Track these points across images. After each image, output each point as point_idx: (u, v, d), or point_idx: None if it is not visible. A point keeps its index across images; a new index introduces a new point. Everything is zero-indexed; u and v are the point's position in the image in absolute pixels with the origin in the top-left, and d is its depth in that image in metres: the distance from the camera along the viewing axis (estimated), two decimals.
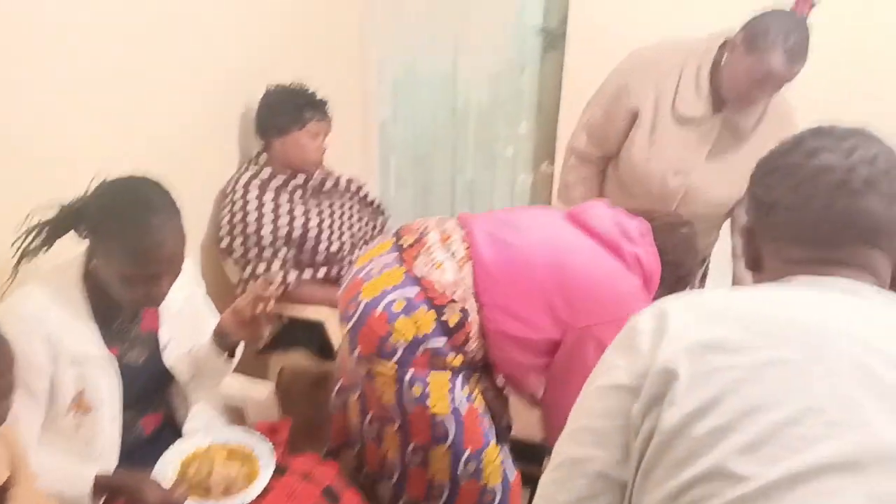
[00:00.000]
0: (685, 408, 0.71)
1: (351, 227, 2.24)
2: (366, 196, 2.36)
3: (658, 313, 0.79)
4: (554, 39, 2.83)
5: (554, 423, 1.50)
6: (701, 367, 0.72)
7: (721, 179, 1.89)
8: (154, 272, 1.28)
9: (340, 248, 2.17)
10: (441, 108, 3.11)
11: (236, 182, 2.06)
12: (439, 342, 1.42)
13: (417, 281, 1.43)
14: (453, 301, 1.42)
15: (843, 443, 0.65)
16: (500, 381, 1.61)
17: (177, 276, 1.33)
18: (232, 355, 1.53)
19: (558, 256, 1.42)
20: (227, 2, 2.08)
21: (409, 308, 1.41)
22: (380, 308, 1.42)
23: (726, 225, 2.08)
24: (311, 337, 2.12)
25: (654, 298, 1.43)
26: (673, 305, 0.79)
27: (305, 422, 2.26)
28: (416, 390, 1.43)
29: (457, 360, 1.44)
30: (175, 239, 1.29)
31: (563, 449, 0.83)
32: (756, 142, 1.87)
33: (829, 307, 0.75)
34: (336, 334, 2.03)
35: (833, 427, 0.66)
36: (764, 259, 0.85)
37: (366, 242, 2.32)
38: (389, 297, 1.42)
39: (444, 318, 1.41)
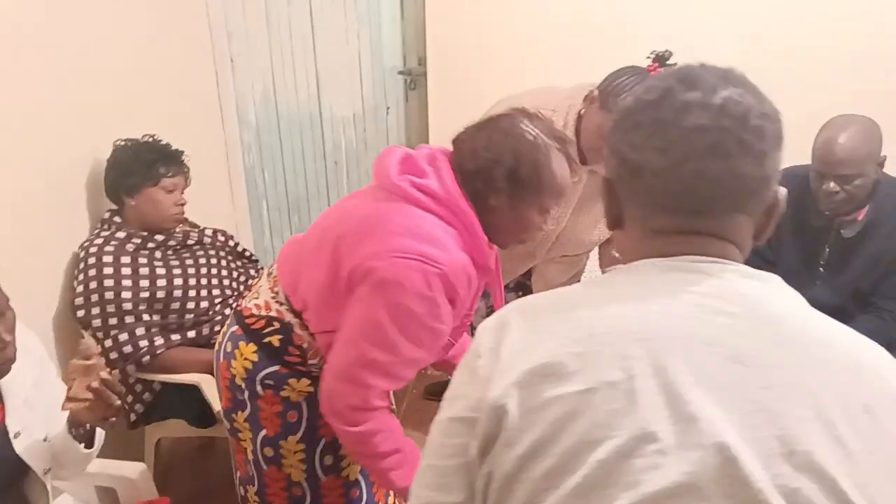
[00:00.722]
0: (519, 449, 0.66)
1: (221, 282, 2.14)
2: (236, 247, 2.27)
3: (498, 325, 0.74)
4: (416, 79, 2.88)
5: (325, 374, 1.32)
6: (532, 400, 0.66)
7: (590, 224, 1.97)
8: None
9: (211, 307, 2.07)
10: (309, 151, 3.08)
11: (89, 247, 1.92)
12: (272, 369, 1.35)
13: (238, 315, 1.41)
14: (270, 322, 1.35)
15: (676, 469, 0.61)
16: None
17: (10, 321, 1.24)
18: (90, 445, 1.40)
19: (332, 229, 1.30)
20: (69, 56, 1.96)
21: (234, 346, 1.39)
22: (221, 357, 1.42)
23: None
24: (188, 403, 2.00)
25: (478, 212, 1.26)
26: (515, 315, 0.74)
27: (191, 494, 2.11)
28: (268, 451, 1.39)
29: (304, 384, 1.36)
30: None
31: (414, 490, 0.78)
32: None
33: (676, 300, 0.68)
34: (215, 397, 1.92)
35: (665, 454, 0.61)
36: (626, 221, 0.78)
37: (240, 296, 2.22)
38: (223, 343, 1.43)
39: (265, 342, 1.35)
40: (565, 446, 0.64)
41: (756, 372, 0.64)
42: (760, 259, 2.09)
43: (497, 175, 1.25)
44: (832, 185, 1.82)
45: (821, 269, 2.00)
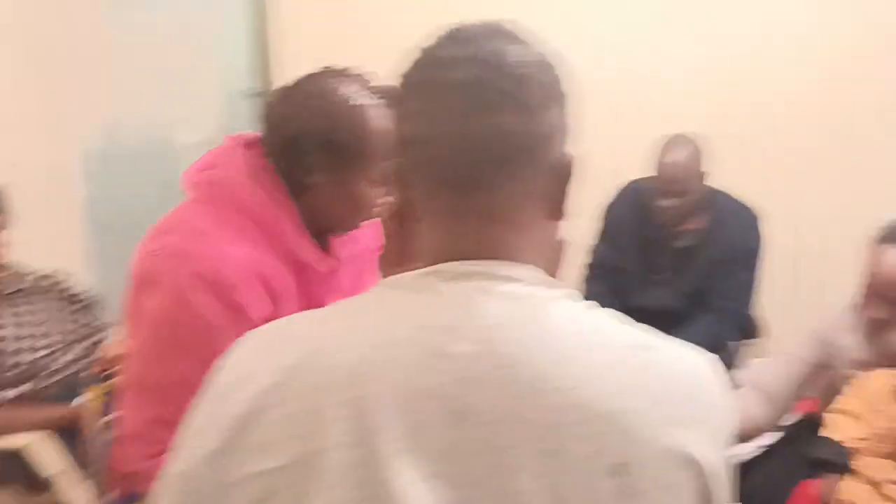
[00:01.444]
0: None
1: (52, 329, 1.96)
2: (69, 289, 2.09)
3: (225, 360, 0.65)
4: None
5: None
6: (228, 475, 0.57)
7: None
8: None
9: (42, 358, 1.89)
10: (154, 180, 2.92)
11: None
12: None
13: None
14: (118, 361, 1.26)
15: None
16: None
17: None
18: None
19: None
20: None
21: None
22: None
23: None
24: (18, 468, 1.80)
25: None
26: (246, 342, 0.65)
27: None
28: None
29: None
30: None
31: None
32: None
33: (406, 340, 0.58)
34: (48, 461, 1.75)
35: None
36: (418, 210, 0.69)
37: (78, 343, 2.05)
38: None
39: (110, 384, 1.26)
40: None
41: (479, 431, 0.54)
42: (607, 265, 2.20)
43: (307, 146, 1.07)
44: (664, 200, 2.00)
45: (662, 274, 2.13)
